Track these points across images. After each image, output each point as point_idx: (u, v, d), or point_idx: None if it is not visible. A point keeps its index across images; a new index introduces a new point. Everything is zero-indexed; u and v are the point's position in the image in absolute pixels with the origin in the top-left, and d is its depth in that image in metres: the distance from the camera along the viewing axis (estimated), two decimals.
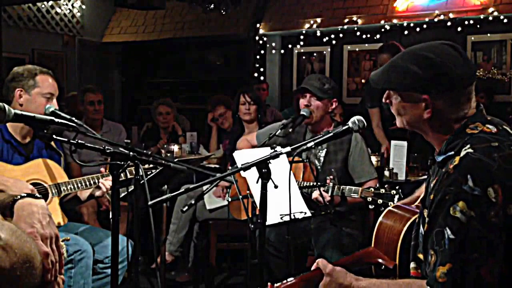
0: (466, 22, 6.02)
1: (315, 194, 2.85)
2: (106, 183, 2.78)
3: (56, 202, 2.82)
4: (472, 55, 6.21)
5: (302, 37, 7.15)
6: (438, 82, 1.57)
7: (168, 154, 4.53)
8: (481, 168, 1.47)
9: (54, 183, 2.79)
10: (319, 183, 2.93)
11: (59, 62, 7.51)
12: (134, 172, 1.97)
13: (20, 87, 2.77)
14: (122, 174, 2.23)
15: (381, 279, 1.69)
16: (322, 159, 3.15)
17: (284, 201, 2.16)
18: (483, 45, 6.20)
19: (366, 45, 6.84)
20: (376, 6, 6.44)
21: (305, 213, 2.47)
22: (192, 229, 4.09)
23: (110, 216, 1.95)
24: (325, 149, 3.15)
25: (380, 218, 2.01)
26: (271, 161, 1.90)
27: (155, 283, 3.64)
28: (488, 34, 6.07)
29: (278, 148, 2.05)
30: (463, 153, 1.52)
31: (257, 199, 2.11)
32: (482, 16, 5.83)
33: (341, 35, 6.85)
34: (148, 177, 2.47)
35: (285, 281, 1.81)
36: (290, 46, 7.40)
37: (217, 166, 4.42)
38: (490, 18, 5.83)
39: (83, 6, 7.72)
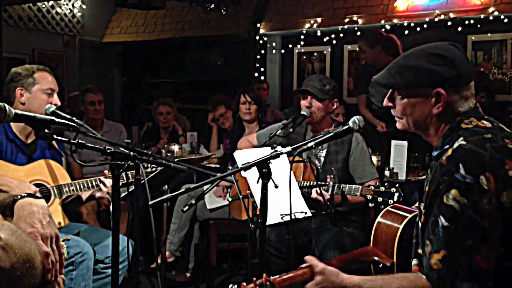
0: (467, 22, 6.00)
1: (315, 193, 2.84)
2: (107, 181, 2.78)
3: (58, 203, 2.82)
4: (473, 54, 6.19)
5: (302, 37, 7.14)
6: (453, 76, 1.60)
7: (169, 154, 4.53)
8: (473, 157, 1.49)
9: (57, 184, 2.79)
10: (319, 183, 2.92)
11: (60, 62, 7.51)
12: (135, 174, 1.97)
13: (20, 86, 2.77)
14: (123, 177, 2.23)
15: (376, 275, 1.69)
16: (322, 159, 3.15)
17: (285, 201, 2.16)
18: (484, 44, 6.18)
19: None
20: (376, 6, 6.42)
21: (306, 213, 2.47)
22: (193, 229, 4.09)
23: (111, 216, 1.95)
24: (326, 149, 3.14)
25: (378, 218, 2.02)
26: (271, 161, 1.90)
27: (156, 283, 3.63)
28: (489, 34, 6.05)
29: (279, 148, 2.05)
30: (456, 145, 1.55)
31: (258, 199, 2.11)
32: (482, 16, 5.82)
33: (341, 35, 6.84)
34: (149, 177, 2.47)
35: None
36: (290, 46, 7.39)
37: (217, 166, 4.41)
38: (491, 17, 5.81)
39: (84, 6, 7.72)
